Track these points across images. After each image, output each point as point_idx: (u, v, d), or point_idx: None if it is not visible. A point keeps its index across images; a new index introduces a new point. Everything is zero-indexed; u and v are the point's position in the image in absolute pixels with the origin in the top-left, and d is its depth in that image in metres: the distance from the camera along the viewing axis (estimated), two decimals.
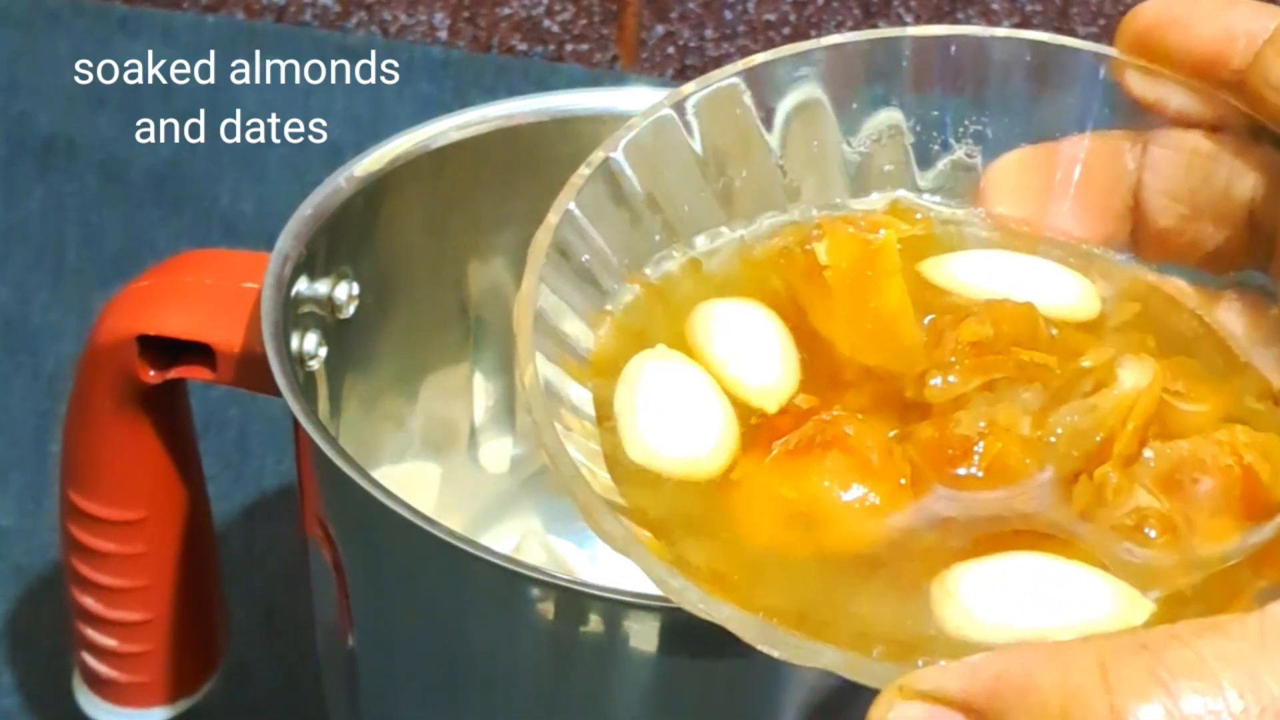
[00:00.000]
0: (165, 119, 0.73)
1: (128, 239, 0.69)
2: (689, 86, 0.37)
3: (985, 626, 0.31)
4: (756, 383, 0.35)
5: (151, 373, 0.46)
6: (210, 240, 0.69)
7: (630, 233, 0.36)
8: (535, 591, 0.41)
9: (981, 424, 0.33)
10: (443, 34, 0.77)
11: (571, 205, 0.35)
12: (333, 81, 0.75)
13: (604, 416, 0.34)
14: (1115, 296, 0.37)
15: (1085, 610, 0.31)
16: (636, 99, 0.50)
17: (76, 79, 0.74)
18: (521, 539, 0.54)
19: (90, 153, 0.72)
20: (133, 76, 0.75)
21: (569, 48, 0.77)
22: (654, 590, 0.52)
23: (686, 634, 0.41)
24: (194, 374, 0.46)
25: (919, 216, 0.38)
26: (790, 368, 0.35)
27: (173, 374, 0.46)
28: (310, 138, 0.73)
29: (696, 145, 0.37)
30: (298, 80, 0.75)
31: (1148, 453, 0.33)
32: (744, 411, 0.34)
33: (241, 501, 0.61)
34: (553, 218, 0.35)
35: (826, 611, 0.32)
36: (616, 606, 0.40)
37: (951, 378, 0.34)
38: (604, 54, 0.77)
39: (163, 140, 0.73)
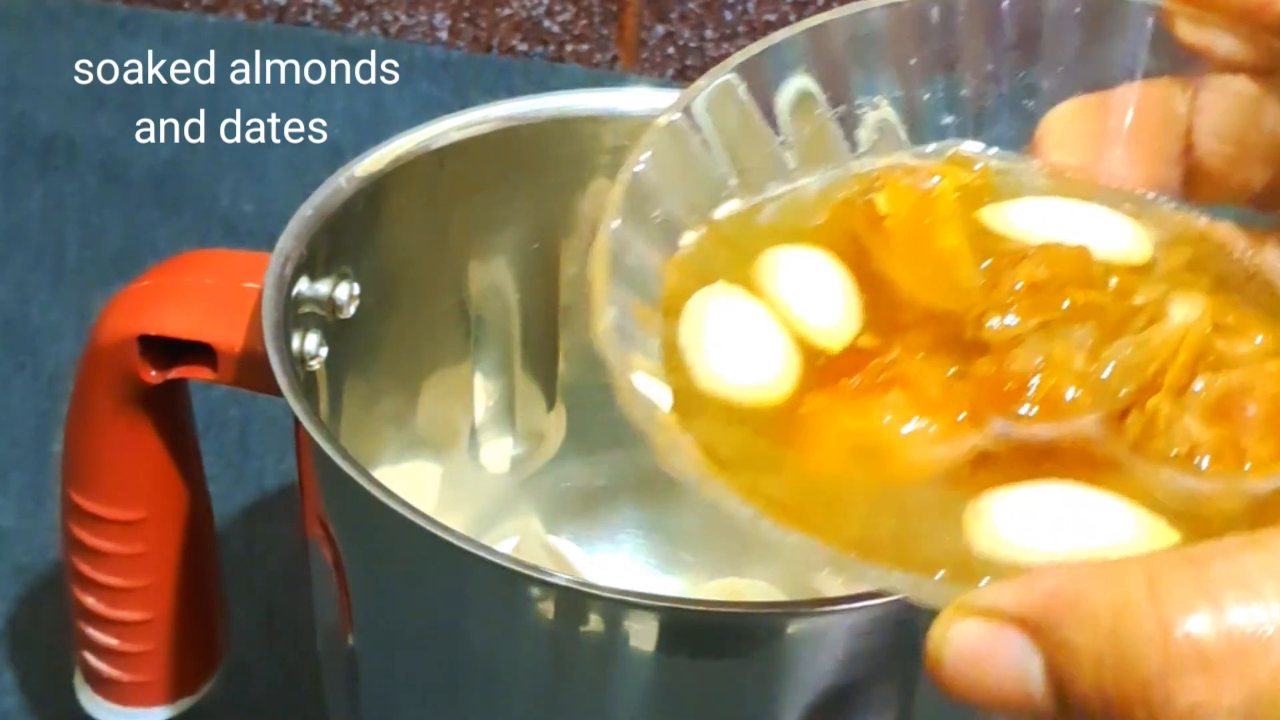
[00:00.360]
0: (166, 119, 0.73)
1: (128, 239, 0.69)
2: (755, 46, 0.38)
3: (1036, 552, 0.32)
4: (820, 324, 0.36)
5: (152, 372, 0.46)
6: (211, 240, 0.69)
7: (698, 185, 0.38)
8: (535, 591, 0.41)
9: (1037, 360, 0.35)
10: (443, 34, 0.77)
11: (644, 159, 0.36)
12: (333, 82, 0.75)
13: (671, 357, 0.36)
14: (1167, 242, 0.38)
15: (1127, 540, 0.32)
16: (637, 99, 0.50)
17: (77, 79, 0.74)
18: (521, 539, 0.54)
19: (91, 153, 0.72)
20: (133, 77, 0.75)
21: (569, 48, 0.77)
22: (654, 590, 0.52)
23: (686, 634, 0.41)
24: (195, 374, 0.46)
25: (977, 167, 0.39)
26: (852, 311, 0.37)
27: (173, 374, 0.46)
28: (311, 138, 0.73)
29: (761, 104, 0.38)
30: (298, 80, 0.75)
31: (1198, 384, 0.34)
32: (808, 351, 0.36)
33: (242, 501, 0.61)
34: (626, 173, 0.36)
35: (889, 539, 0.33)
36: (616, 606, 0.41)
37: (1008, 318, 0.35)
38: (604, 54, 0.77)
39: (163, 140, 0.73)
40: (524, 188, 0.50)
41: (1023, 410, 0.34)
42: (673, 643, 0.41)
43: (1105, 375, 0.35)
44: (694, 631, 0.41)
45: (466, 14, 0.77)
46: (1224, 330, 0.35)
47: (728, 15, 0.76)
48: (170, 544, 0.49)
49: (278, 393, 0.43)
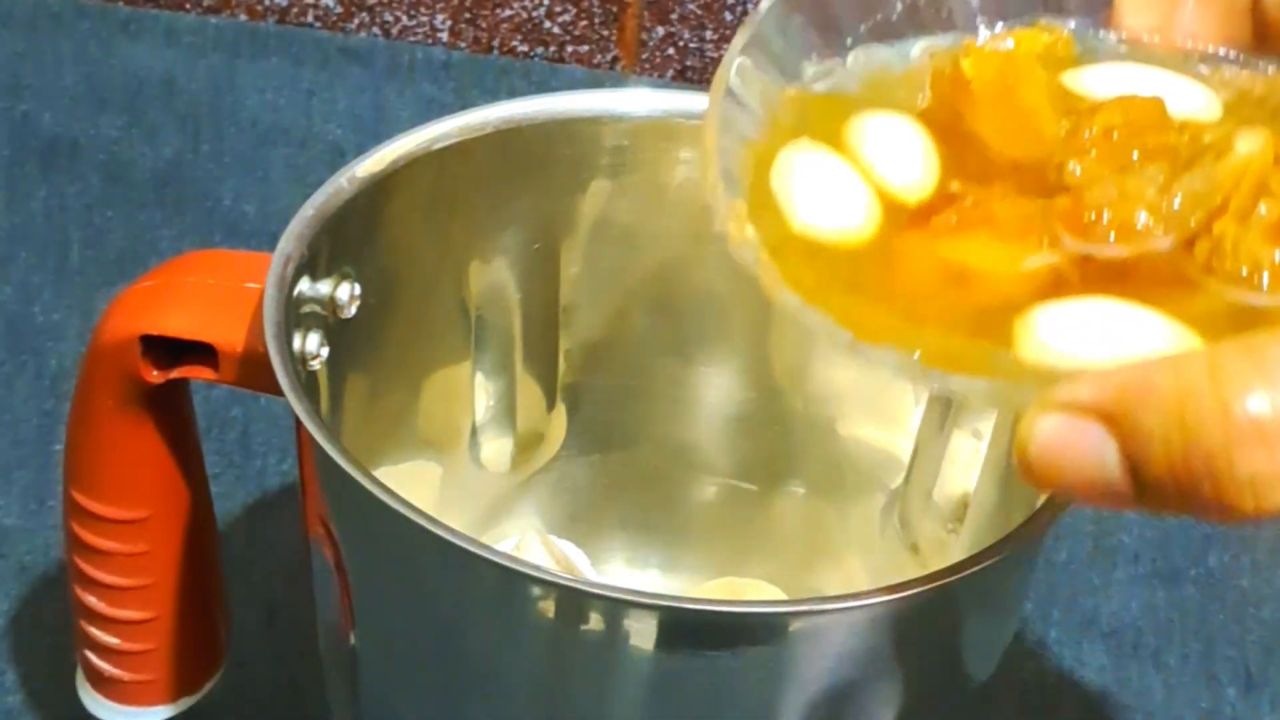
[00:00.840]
0: (168, 120, 0.74)
1: (130, 239, 0.69)
2: None
3: (1085, 360, 0.35)
4: (902, 181, 0.40)
5: (154, 372, 0.46)
6: (213, 241, 0.69)
7: (799, 51, 0.41)
8: (535, 591, 0.41)
9: (1112, 193, 0.38)
10: (444, 35, 0.78)
11: (752, 32, 0.41)
12: (335, 83, 0.75)
13: (762, 204, 0.39)
14: (1237, 99, 0.41)
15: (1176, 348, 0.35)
16: (637, 100, 0.51)
17: (80, 80, 0.75)
18: (521, 539, 0.54)
19: (93, 154, 0.72)
20: (136, 77, 0.75)
21: (570, 49, 0.77)
22: (654, 590, 0.52)
23: (686, 634, 0.41)
24: (196, 374, 0.46)
25: (1057, 34, 0.43)
26: (933, 170, 0.40)
27: (175, 374, 0.46)
28: (312, 139, 0.73)
29: None
30: (300, 81, 0.75)
31: (1261, 208, 0.37)
32: (889, 204, 0.39)
33: (244, 500, 0.61)
34: (741, 38, 0.40)
35: (975, 352, 0.36)
36: (616, 606, 0.41)
37: (1087, 162, 0.39)
38: (604, 55, 0.77)
39: (166, 141, 0.73)
40: (525, 188, 0.50)
41: (1099, 238, 0.37)
42: (673, 642, 0.41)
43: (1175, 205, 0.37)
44: (694, 631, 0.41)
45: (467, 15, 0.77)
46: None
47: (728, 16, 0.76)
48: (172, 543, 0.49)
49: (279, 392, 0.43)
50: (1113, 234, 0.37)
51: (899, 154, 0.40)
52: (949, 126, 0.40)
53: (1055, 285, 0.37)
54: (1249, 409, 0.31)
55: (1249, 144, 0.38)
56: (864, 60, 0.42)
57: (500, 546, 0.51)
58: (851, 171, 0.40)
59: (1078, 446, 0.33)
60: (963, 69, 0.41)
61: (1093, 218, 0.38)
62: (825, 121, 0.41)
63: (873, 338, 0.36)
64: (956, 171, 0.40)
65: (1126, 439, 0.32)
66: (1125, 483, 0.32)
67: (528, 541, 0.54)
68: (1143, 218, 0.37)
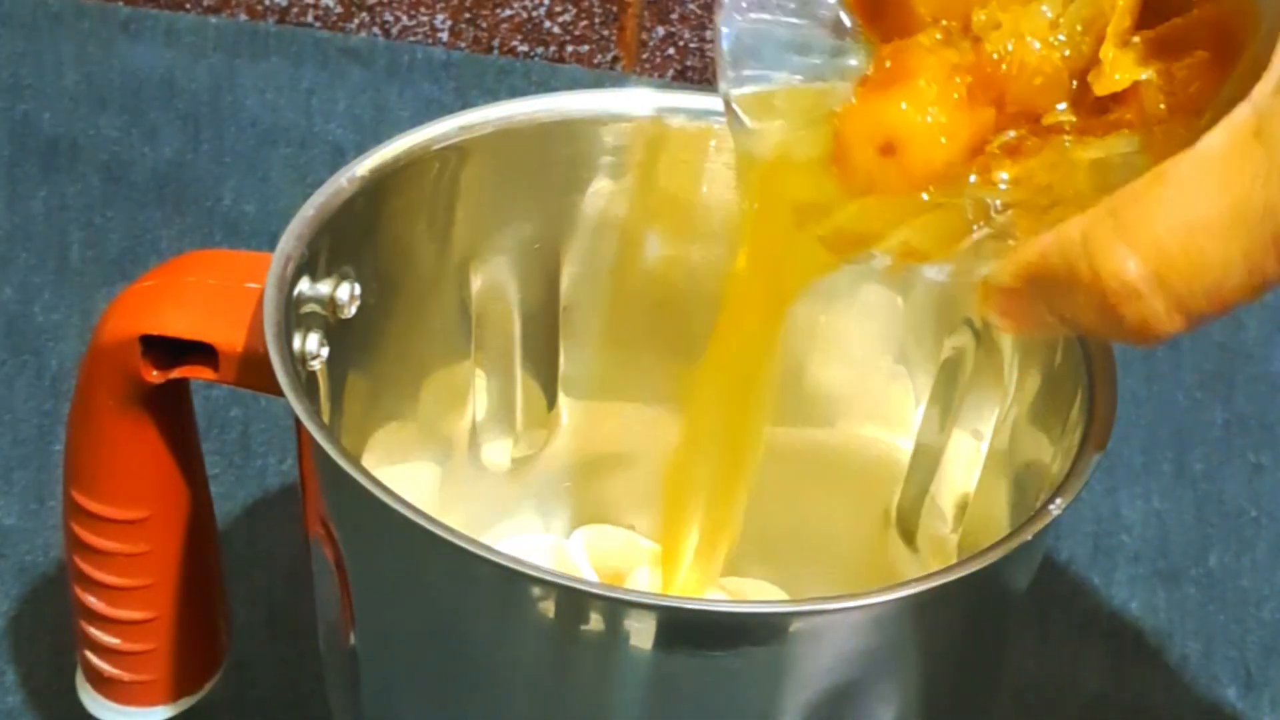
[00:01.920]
0: (168, 120, 0.74)
1: (131, 239, 0.69)
2: None
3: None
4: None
5: (154, 372, 0.46)
6: (213, 241, 0.69)
7: None
8: (535, 591, 0.41)
9: (1010, 43, 0.40)
10: (444, 35, 0.78)
11: None
12: (335, 82, 0.75)
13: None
14: None
15: None
16: (638, 100, 0.51)
17: (80, 80, 0.74)
18: (521, 539, 0.54)
19: (93, 154, 0.72)
20: (136, 77, 0.75)
21: (570, 49, 0.77)
22: (654, 590, 0.52)
23: (686, 634, 0.41)
24: (196, 374, 0.46)
25: None
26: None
27: (175, 374, 0.46)
28: (312, 139, 0.73)
29: None
30: (300, 81, 0.75)
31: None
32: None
33: (244, 501, 0.61)
34: None
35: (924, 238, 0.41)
36: (616, 606, 0.41)
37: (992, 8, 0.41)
38: (605, 55, 0.77)
39: (166, 141, 0.73)
40: (524, 188, 0.50)
41: (1003, 80, 0.41)
42: (672, 642, 0.41)
43: (1063, 39, 0.40)
44: (694, 631, 0.41)
45: (467, 15, 0.77)
46: None
47: None
48: (172, 543, 0.49)
49: (279, 393, 0.43)
50: (1015, 72, 0.40)
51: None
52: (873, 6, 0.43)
53: (975, 153, 0.41)
54: (1116, 273, 0.37)
55: None
56: None
57: (500, 546, 0.51)
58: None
59: (1022, 310, 0.40)
60: None
61: (995, 65, 0.40)
62: None
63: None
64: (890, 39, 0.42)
65: (1050, 303, 0.39)
66: (1062, 327, 0.40)
67: (527, 541, 0.54)
68: (1036, 47, 0.40)
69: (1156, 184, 0.37)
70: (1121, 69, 0.40)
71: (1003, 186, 0.40)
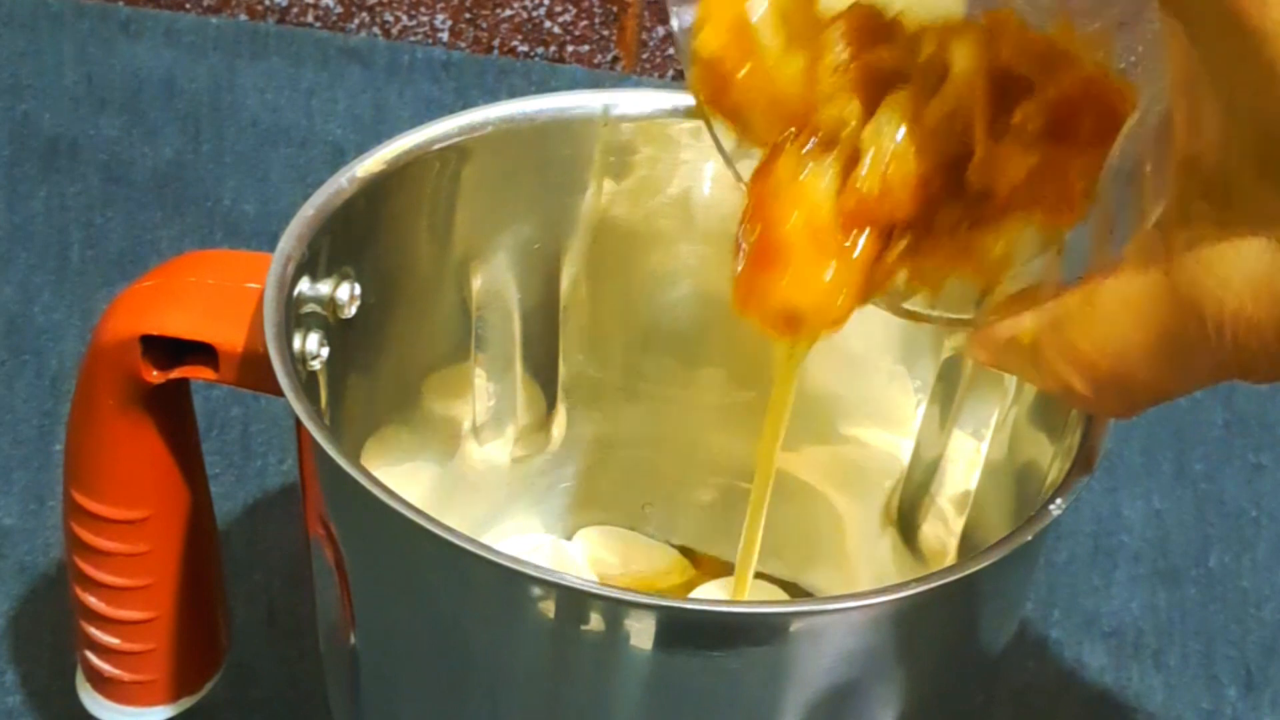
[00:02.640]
0: (168, 120, 0.74)
1: (131, 239, 0.69)
2: None
3: None
4: None
5: (154, 372, 0.46)
6: (213, 241, 0.69)
7: None
8: (535, 591, 0.41)
9: (864, 169, 0.40)
10: (444, 35, 0.78)
11: None
12: (335, 83, 0.75)
13: None
14: None
15: None
16: (638, 100, 0.51)
17: (80, 80, 0.75)
18: (521, 539, 0.54)
19: (94, 154, 0.72)
20: (136, 77, 0.75)
21: (570, 49, 0.77)
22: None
23: (686, 634, 0.41)
24: (197, 374, 0.46)
25: None
26: None
27: (175, 374, 0.46)
28: (312, 139, 0.73)
29: None
30: (300, 81, 0.75)
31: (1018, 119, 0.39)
32: None
33: (244, 501, 0.61)
34: None
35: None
36: (616, 606, 0.41)
37: (836, 106, 0.41)
38: (605, 55, 0.77)
39: (166, 141, 0.73)
40: (524, 188, 0.50)
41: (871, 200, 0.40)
42: (672, 642, 0.41)
43: (934, 138, 0.40)
44: (694, 631, 0.41)
45: (468, 15, 0.77)
46: (1017, 42, 0.40)
47: None
48: (172, 543, 0.49)
49: (279, 392, 0.43)
50: (881, 194, 0.40)
51: None
52: None
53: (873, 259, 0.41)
54: (1062, 388, 0.39)
55: (962, 57, 0.40)
56: None
57: (500, 546, 0.51)
58: None
59: (1003, 363, 0.41)
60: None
61: (859, 189, 0.40)
62: None
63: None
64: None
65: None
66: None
67: (527, 541, 0.54)
68: (895, 149, 0.40)
69: (1088, 305, 0.38)
70: (997, 161, 0.40)
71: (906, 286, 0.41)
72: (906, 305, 0.42)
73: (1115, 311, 0.38)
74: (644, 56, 0.77)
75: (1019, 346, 0.40)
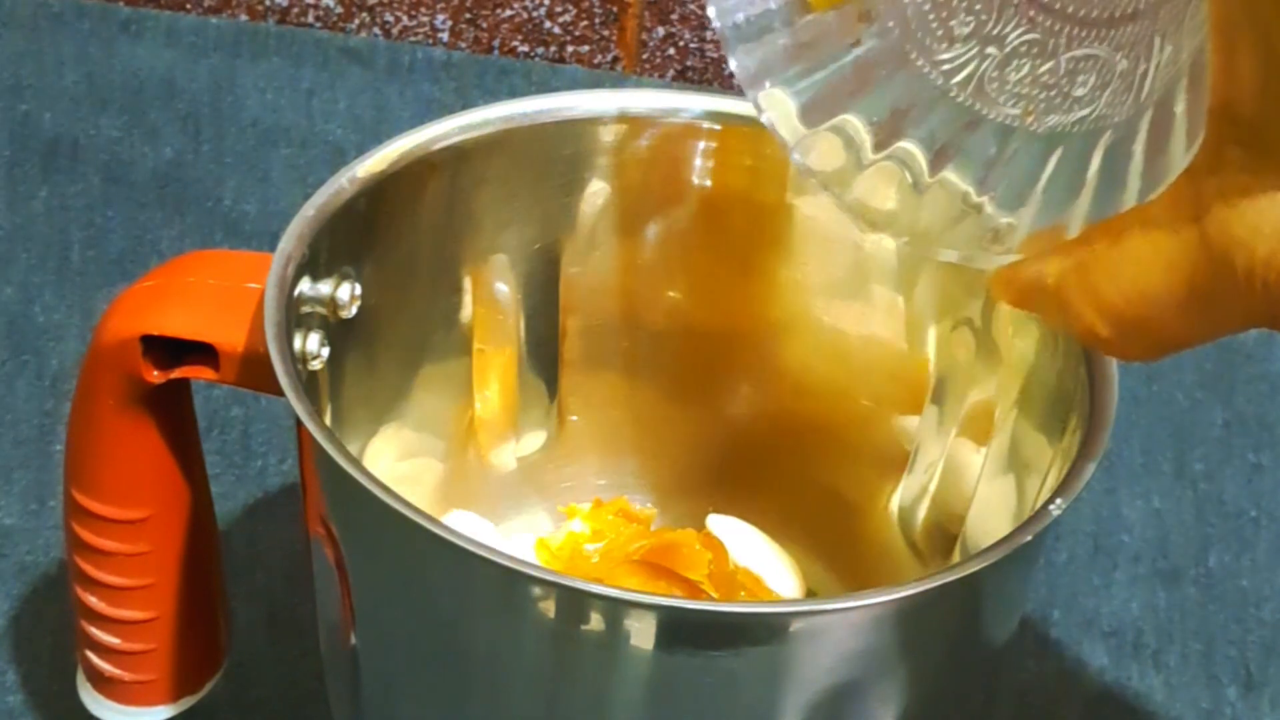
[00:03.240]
0: (169, 120, 0.74)
1: (131, 239, 0.69)
2: None
3: None
4: None
5: (155, 372, 0.46)
6: (213, 241, 0.69)
7: None
8: (536, 590, 0.41)
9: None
10: (444, 36, 0.78)
11: None
12: (335, 83, 0.75)
13: None
14: None
15: None
16: (638, 101, 0.51)
17: (80, 80, 0.75)
18: (523, 538, 0.54)
19: (94, 154, 0.72)
20: (136, 78, 0.75)
21: (570, 49, 0.77)
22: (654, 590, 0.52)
23: (686, 633, 0.41)
24: (197, 374, 0.46)
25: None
26: None
27: (176, 374, 0.46)
28: (312, 139, 0.73)
29: None
30: (301, 81, 0.75)
31: None
32: None
33: (245, 500, 0.61)
34: None
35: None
36: (617, 606, 0.41)
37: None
38: (605, 56, 0.77)
39: (166, 141, 0.73)
40: (525, 188, 0.50)
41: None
42: (673, 642, 0.41)
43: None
44: (694, 631, 0.41)
45: (468, 15, 0.77)
46: None
47: None
48: (172, 543, 0.49)
49: (279, 392, 0.43)
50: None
51: None
52: None
53: None
54: (1085, 331, 0.39)
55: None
56: None
57: (502, 546, 0.51)
58: None
59: (1026, 303, 0.41)
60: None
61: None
62: None
63: None
64: None
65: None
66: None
67: (529, 541, 0.54)
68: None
69: (1114, 249, 0.38)
70: None
71: None
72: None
73: (1142, 257, 0.37)
74: (644, 57, 0.77)
75: (1043, 288, 0.40)
